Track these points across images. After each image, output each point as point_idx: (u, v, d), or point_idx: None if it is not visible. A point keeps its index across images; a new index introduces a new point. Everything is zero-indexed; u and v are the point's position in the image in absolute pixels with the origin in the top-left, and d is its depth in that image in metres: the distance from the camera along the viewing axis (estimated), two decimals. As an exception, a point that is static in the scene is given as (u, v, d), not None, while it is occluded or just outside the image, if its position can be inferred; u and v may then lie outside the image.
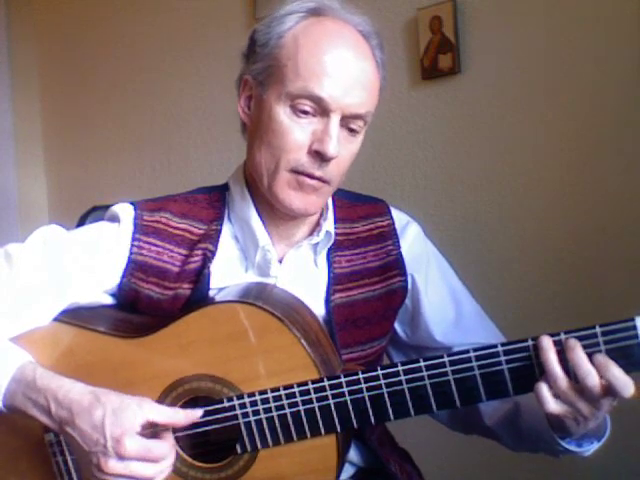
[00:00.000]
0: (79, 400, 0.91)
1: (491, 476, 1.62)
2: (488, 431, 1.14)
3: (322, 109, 1.01)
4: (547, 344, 0.89)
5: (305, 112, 1.01)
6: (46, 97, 2.87)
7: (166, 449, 0.92)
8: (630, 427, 1.53)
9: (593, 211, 1.73)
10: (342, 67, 1.01)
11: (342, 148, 1.03)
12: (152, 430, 0.92)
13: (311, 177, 1.03)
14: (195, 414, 0.95)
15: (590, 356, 0.87)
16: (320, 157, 1.01)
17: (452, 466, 1.69)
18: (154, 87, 2.57)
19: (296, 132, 1.02)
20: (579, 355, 0.87)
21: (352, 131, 1.05)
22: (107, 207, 1.15)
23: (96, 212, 1.24)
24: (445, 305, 1.18)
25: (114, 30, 2.66)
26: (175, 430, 0.96)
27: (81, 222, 1.24)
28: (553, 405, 0.89)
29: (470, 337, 1.03)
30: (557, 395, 0.89)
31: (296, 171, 1.03)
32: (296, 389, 0.95)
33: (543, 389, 0.89)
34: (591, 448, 1.00)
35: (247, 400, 0.96)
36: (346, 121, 1.03)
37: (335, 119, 1.01)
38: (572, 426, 0.92)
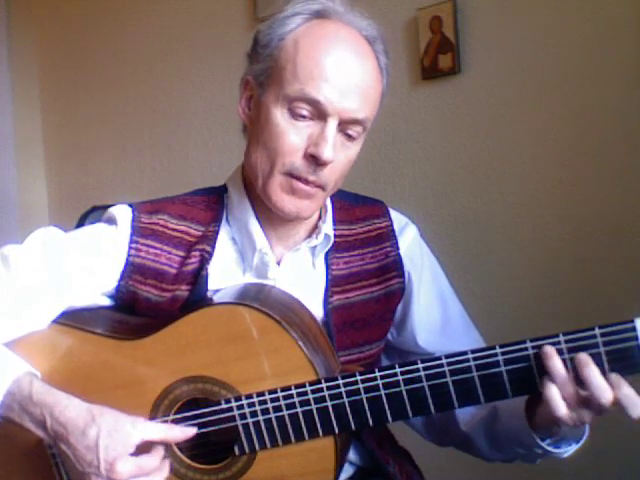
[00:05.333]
0: (75, 418, 0.91)
1: (491, 476, 1.62)
2: (464, 438, 1.13)
3: (319, 113, 1.00)
4: (550, 351, 0.88)
5: (302, 116, 1.01)
6: (46, 97, 2.87)
7: (157, 462, 0.92)
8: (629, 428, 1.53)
9: (593, 211, 1.72)
10: (341, 71, 1.00)
11: (338, 153, 1.03)
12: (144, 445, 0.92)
13: (305, 182, 1.02)
14: (191, 430, 0.95)
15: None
16: (315, 161, 1.01)
17: (452, 466, 1.69)
18: (154, 87, 2.57)
19: (292, 135, 1.01)
20: (594, 371, 0.86)
21: (350, 137, 1.04)
22: (107, 207, 1.15)
23: (96, 212, 1.23)
24: (433, 311, 1.18)
25: (114, 30, 2.66)
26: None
27: (81, 222, 1.23)
28: (564, 410, 0.88)
29: (453, 345, 1.03)
30: (564, 399, 0.88)
31: (290, 174, 1.02)
32: (294, 391, 0.95)
33: (554, 393, 0.88)
34: (569, 450, 1.00)
35: (245, 402, 0.96)
36: (344, 126, 1.02)
37: (332, 123, 1.00)
38: (564, 430, 0.92)
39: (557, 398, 0.88)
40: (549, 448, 0.99)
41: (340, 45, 1.01)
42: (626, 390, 0.85)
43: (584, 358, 0.87)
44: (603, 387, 0.86)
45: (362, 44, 1.04)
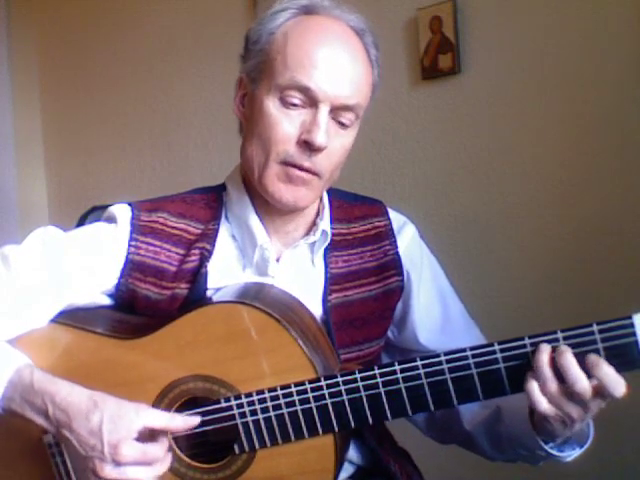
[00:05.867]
0: (77, 404, 0.91)
1: (492, 477, 1.62)
2: (466, 437, 1.13)
3: (310, 100, 1.01)
4: (543, 347, 0.88)
5: (294, 104, 1.02)
6: (46, 97, 2.87)
7: (161, 452, 0.92)
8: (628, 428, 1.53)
9: (593, 211, 1.73)
10: (330, 59, 1.01)
11: (332, 140, 1.04)
12: (149, 434, 0.92)
13: (300, 168, 1.03)
14: (193, 420, 0.95)
15: (583, 357, 0.86)
16: (309, 147, 1.02)
17: (452, 466, 1.69)
18: (154, 87, 2.57)
19: (285, 123, 1.02)
20: (568, 360, 0.86)
21: (343, 125, 1.05)
22: (107, 207, 1.15)
23: (96, 212, 1.23)
24: (434, 309, 1.18)
25: (114, 30, 2.66)
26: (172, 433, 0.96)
27: (81, 222, 1.23)
28: (545, 405, 0.88)
29: (454, 342, 1.03)
30: (546, 396, 0.88)
31: (285, 163, 1.03)
32: (293, 389, 0.95)
33: (535, 389, 0.88)
34: (573, 454, 1.00)
35: (244, 400, 0.96)
36: (336, 113, 1.03)
37: (324, 109, 1.01)
38: (558, 429, 0.91)
39: (537, 393, 0.88)
40: (552, 451, 0.98)
41: (329, 37, 1.03)
42: (606, 369, 0.85)
43: (563, 348, 0.87)
44: (577, 375, 0.86)
45: (351, 36, 1.05)
